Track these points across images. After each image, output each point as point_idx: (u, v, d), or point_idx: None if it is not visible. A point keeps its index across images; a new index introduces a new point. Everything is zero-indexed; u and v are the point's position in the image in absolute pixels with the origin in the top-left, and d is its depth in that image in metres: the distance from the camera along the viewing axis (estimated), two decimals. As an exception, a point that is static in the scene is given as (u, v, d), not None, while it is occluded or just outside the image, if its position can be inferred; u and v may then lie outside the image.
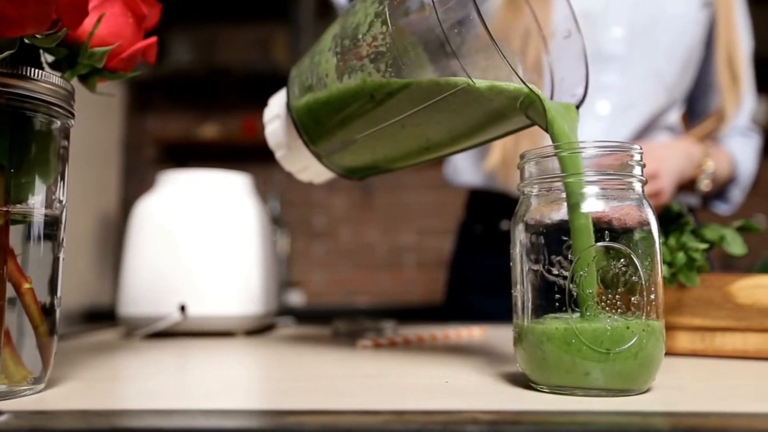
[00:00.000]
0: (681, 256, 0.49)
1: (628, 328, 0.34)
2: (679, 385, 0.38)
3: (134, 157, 2.78)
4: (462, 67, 0.36)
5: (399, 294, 2.73)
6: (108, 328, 0.83)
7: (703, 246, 0.49)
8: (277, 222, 2.51)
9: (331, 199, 2.78)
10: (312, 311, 2.36)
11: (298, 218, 2.72)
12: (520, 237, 0.38)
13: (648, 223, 0.35)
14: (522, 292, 0.38)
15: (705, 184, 0.88)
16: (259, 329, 0.76)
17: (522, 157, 0.39)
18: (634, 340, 0.34)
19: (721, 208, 0.98)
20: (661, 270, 0.36)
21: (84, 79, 0.43)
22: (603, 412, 0.30)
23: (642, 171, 0.37)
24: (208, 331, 0.71)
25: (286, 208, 2.65)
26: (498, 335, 0.70)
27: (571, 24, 0.44)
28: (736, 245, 0.52)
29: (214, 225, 0.72)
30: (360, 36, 0.41)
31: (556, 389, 0.35)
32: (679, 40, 0.90)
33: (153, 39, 0.43)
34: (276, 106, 0.55)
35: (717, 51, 0.91)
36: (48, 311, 0.38)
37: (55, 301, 0.38)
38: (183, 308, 0.70)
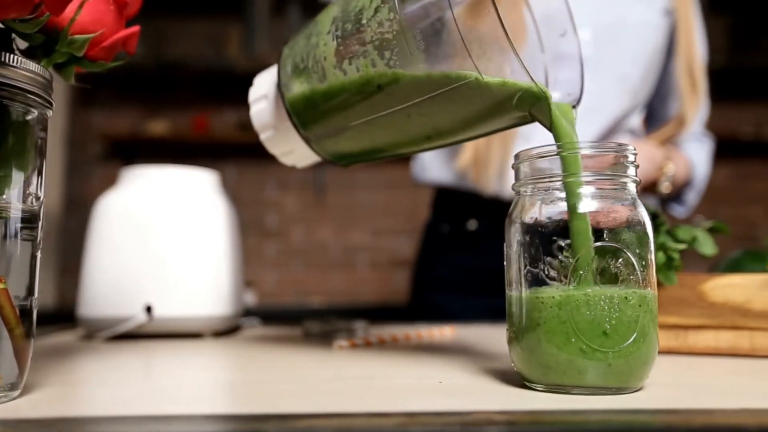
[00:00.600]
0: (660, 256, 0.50)
1: (626, 327, 0.34)
2: (666, 383, 0.38)
3: (78, 153, 2.68)
4: (475, 65, 0.35)
5: (352, 294, 2.72)
6: (62, 330, 0.79)
7: (681, 246, 0.50)
8: (228, 221, 2.46)
9: (284, 198, 2.75)
10: (264, 311, 2.33)
11: (249, 217, 2.68)
12: (515, 237, 0.38)
13: (643, 223, 0.36)
14: (518, 291, 0.38)
15: (665, 187, 0.91)
16: (226, 330, 0.74)
17: (517, 157, 0.39)
18: (632, 338, 0.34)
19: (678, 211, 1.02)
20: (654, 269, 0.36)
21: (60, 68, 0.40)
22: (608, 411, 0.30)
23: (636, 171, 0.37)
24: (174, 332, 0.69)
25: (237, 207, 2.60)
26: (469, 335, 0.71)
27: (567, 24, 0.44)
28: (707, 246, 0.54)
29: (182, 223, 0.70)
30: (364, 21, 0.40)
31: (554, 388, 0.35)
32: (642, 45, 0.93)
33: (135, 28, 0.41)
34: (263, 85, 0.53)
35: (678, 58, 0.94)
36: (25, 313, 0.35)
37: (33, 302, 0.36)
38: (149, 309, 0.67)
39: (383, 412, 0.28)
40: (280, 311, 2.22)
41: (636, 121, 0.98)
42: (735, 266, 0.63)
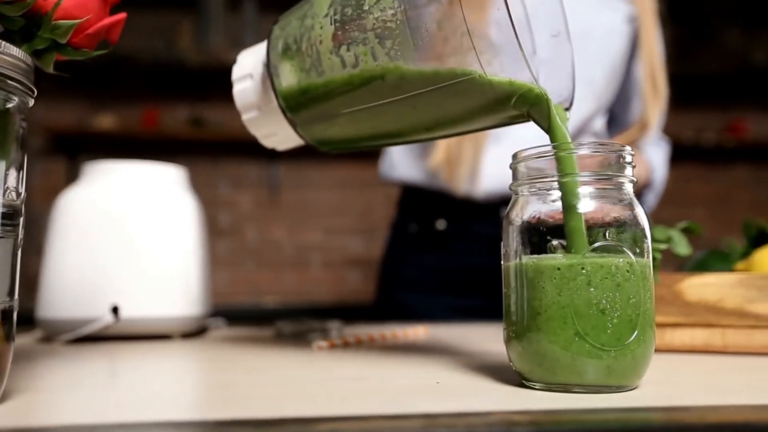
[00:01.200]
0: (643, 256, 0.51)
1: (627, 325, 0.35)
2: (659, 380, 0.39)
3: (19, 147, 2.56)
4: (480, 62, 0.35)
5: (305, 293, 2.69)
6: (18, 332, 0.75)
7: (664, 246, 0.52)
8: (179, 219, 2.40)
9: (237, 197, 2.70)
10: (217, 312, 2.28)
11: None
12: (512, 236, 0.38)
13: (641, 223, 0.36)
14: (516, 291, 0.37)
15: None
16: (195, 331, 0.72)
17: (515, 157, 0.39)
18: (633, 337, 0.35)
19: None
20: (651, 268, 0.37)
21: (40, 55, 0.38)
22: (617, 409, 0.30)
23: (632, 172, 0.38)
24: (142, 334, 0.66)
25: (188, 204, 2.55)
26: (444, 334, 0.71)
27: (560, 24, 0.44)
28: (682, 246, 0.56)
29: (150, 220, 0.68)
30: (366, 7, 0.39)
31: (553, 387, 0.35)
32: (607, 50, 0.95)
33: (121, 15, 0.39)
34: (249, 64, 0.51)
35: (640, 63, 0.97)
36: (6, 314, 0.33)
37: (15, 304, 0.34)
38: (116, 310, 0.64)
39: (403, 414, 0.27)
40: (233, 311, 2.18)
41: (599, 124, 1.00)
42: (701, 267, 0.65)
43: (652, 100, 0.95)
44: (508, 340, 0.38)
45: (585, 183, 0.36)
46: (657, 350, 0.53)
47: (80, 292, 0.65)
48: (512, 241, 0.38)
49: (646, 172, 0.99)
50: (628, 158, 0.38)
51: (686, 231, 0.57)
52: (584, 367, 0.34)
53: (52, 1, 0.35)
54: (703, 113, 2.74)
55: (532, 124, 0.96)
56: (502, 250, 0.39)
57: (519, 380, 0.38)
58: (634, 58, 0.99)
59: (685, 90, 2.89)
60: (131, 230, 0.67)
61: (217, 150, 2.63)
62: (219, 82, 2.73)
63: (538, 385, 0.36)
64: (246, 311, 2.28)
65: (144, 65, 2.47)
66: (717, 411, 0.30)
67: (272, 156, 2.69)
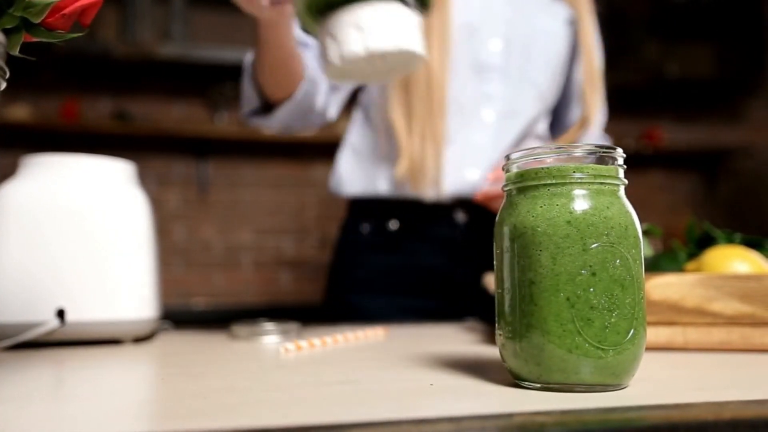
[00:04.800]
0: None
1: (622, 324, 0.35)
2: (644, 378, 0.40)
3: None
4: None
5: (236, 294, 2.63)
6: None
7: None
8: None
9: (164, 195, 2.60)
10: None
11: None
12: (505, 238, 0.38)
13: (635, 224, 0.37)
14: (510, 291, 0.37)
15: None
16: (146, 336, 0.68)
17: (507, 158, 0.39)
18: (629, 335, 0.35)
19: None
20: (643, 269, 0.38)
21: (6, 35, 0.35)
22: (623, 408, 0.31)
23: (624, 174, 0.39)
24: (90, 339, 0.62)
25: (111, 202, 2.43)
26: (402, 335, 0.70)
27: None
28: (644, 247, 0.57)
29: (97, 217, 0.63)
30: None
31: (553, 387, 0.36)
32: (549, 53, 0.99)
33: (98, -3, 0.37)
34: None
35: (580, 64, 1.00)
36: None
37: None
38: (61, 313, 0.60)
39: (427, 418, 0.26)
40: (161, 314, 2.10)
41: (543, 126, 1.03)
42: (653, 267, 0.67)
43: (592, 99, 0.99)
44: (501, 342, 0.38)
45: (578, 184, 0.37)
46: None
47: (22, 294, 0.60)
48: (504, 242, 0.38)
49: None
50: (620, 160, 0.38)
51: (646, 233, 0.59)
52: (582, 365, 0.35)
53: (27, -24, 0.32)
54: (622, 121, 2.88)
55: (477, 126, 1.01)
56: (495, 251, 0.39)
57: (511, 380, 0.38)
58: (575, 61, 1.03)
59: (607, 99, 3.03)
60: (77, 228, 0.62)
61: (143, 145, 2.52)
62: (146, 75, 2.64)
63: (534, 385, 0.36)
64: (175, 313, 2.20)
65: (63, 54, 2.34)
66: (718, 408, 0.31)
67: (201, 153, 2.61)
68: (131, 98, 2.53)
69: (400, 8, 0.61)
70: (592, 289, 0.35)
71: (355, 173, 1.00)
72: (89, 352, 0.58)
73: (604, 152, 0.38)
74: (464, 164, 0.94)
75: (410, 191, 0.93)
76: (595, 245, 0.35)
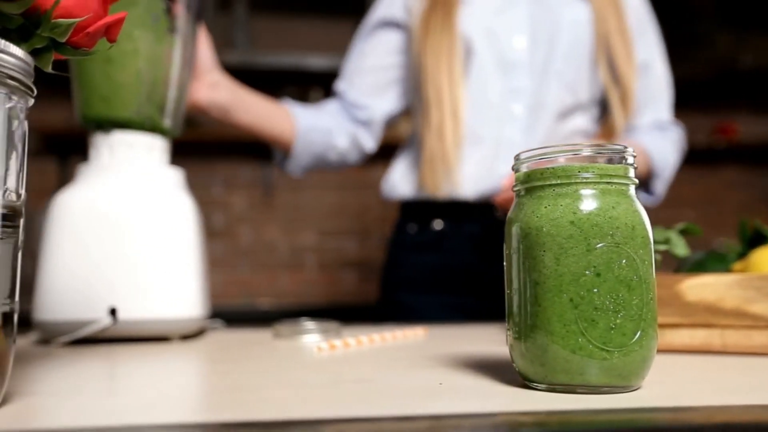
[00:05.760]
0: (643, 256, 0.51)
1: (629, 326, 0.35)
2: (660, 380, 0.39)
3: (10, 148, 2.54)
4: None
5: (300, 295, 2.69)
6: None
7: (663, 248, 0.52)
8: (173, 220, 2.40)
9: (230, 198, 2.69)
10: (212, 313, 2.27)
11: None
12: (515, 237, 0.38)
13: (644, 224, 0.36)
14: (517, 292, 0.37)
15: None
16: (194, 333, 0.71)
17: (517, 158, 0.39)
18: (636, 337, 0.35)
19: (647, 200, 1.05)
20: (654, 269, 0.37)
21: (37, 54, 0.38)
22: (626, 410, 0.30)
23: (634, 173, 0.38)
24: (140, 336, 0.66)
25: (182, 206, 2.54)
26: (445, 335, 0.71)
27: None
28: (680, 247, 0.56)
29: (148, 221, 0.67)
30: None
31: (558, 388, 0.35)
32: (574, 43, 0.98)
33: (121, 15, 0.39)
34: None
35: (599, 57, 0.99)
36: (6, 317, 0.33)
37: (15, 305, 0.34)
38: (113, 312, 0.64)
39: (409, 415, 0.27)
40: (227, 313, 2.17)
41: (583, 121, 1.01)
42: (699, 268, 0.65)
43: (613, 91, 0.98)
44: (510, 341, 0.38)
45: (587, 184, 0.36)
46: (657, 350, 0.54)
47: (78, 293, 0.64)
48: (514, 242, 0.38)
49: (641, 158, 1.00)
50: (630, 159, 0.38)
51: (684, 232, 0.57)
52: (587, 367, 0.34)
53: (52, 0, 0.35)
54: (693, 116, 2.75)
55: (508, 120, 1.02)
56: (505, 252, 0.39)
57: (521, 381, 0.38)
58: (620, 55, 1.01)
59: (676, 92, 2.90)
60: (129, 232, 0.66)
61: (210, 150, 2.62)
62: (212, 83, 2.72)
63: (541, 386, 0.36)
64: (241, 313, 2.27)
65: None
66: (723, 411, 0.30)
67: (266, 157, 2.68)
68: (199, 106, 2.63)
69: None
70: (596, 290, 0.34)
71: (404, 177, 1.05)
72: (139, 348, 0.62)
73: (613, 152, 0.37)
74: (497, 161, 0.96)
75: (428, 190, 0.97)
76: (600, 246, 0.35)
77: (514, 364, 0.38)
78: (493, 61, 0.98)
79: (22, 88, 0.34)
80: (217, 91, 0.87)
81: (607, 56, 0.98)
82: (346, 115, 1.06)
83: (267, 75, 2.51)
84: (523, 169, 0.39)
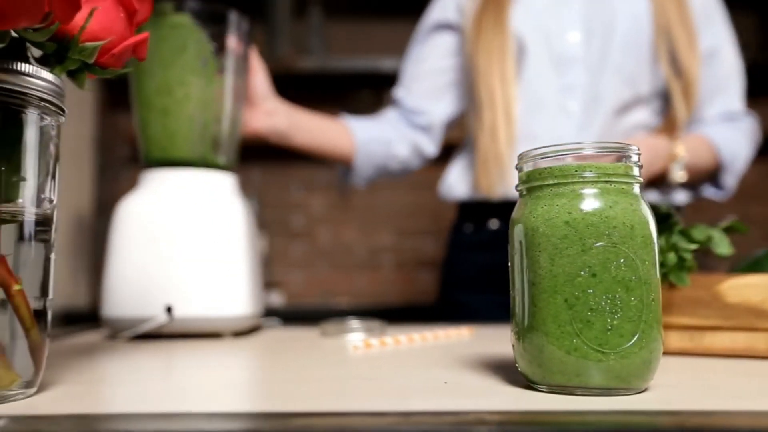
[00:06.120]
0: (672, 257, 0.50)
1: (627, 327, 0.34)
2: (674, 384, 0.38)
3: (107, 156, 2.73)
4: None
5: (377, 295, 2.72)
6: (89, 330, 0.81)
7: (693, 246, 0.50)
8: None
9: (309, 200, 2.77)
10: (291, 312, 2.34)
11: (276, 219, 2.70)
12: (518, 238, 0.38)
13: (645, 223, 0.36)
14: (519, 292, 0.37)
15: (680, 176, 0.90)
16: (245, 330, 0.75)
17: (521, 157, 0.39)
18: (634, 339, 0.34)
19: (716, 195, 1.00)
20: (658, 270, 0.36)
21: (73, 75, 0.41)
22: (608, 411, 0.30)
23: (640, 171, 0.37)
24: (194, 332, 0.70)
25: (263, 208, 2.63)
26: (487, 335, 0.71)
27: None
28: (723, 245, 0.53)
29: (200, 225, 0.71)
30: None
31: (556, 389, 0.35)
32: (631, 34, 0.95)
33: (144, 35, 0.42)
34: None
35: (660, 48, 0.94)
36: (39, 313, 0.37)
37: (47, 303, 0.37)
38: (169, 310, 0.68)
39: (377, 411, 0.28)
40: (306, 311, 2.24)
41: (643, 115, 0.98)
42: (755, 266, 0.61)
43: (676, 83, 0.93)
44: (513, 342, 0.38)
45: (590, 183, 0.36)
46: (695, 354, 0.52)
47: (138, 292, 0.69)
48: (516, 242, 0.38)
49: (707, 152, 0.95)
50: (634, 158, 0.37)
51: (729, 230, 0.54)
52: (583, 368, 0.34)
53: (79, 24, 0.39)
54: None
55: (562, 117, 1.00)
56: (509, 251, 0.39)
57: (526, 383, 0.38)
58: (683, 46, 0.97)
59: (750, 80, 2.69)
60: (184, 234, 0.71)
61: (288, 153, 2.70)
62: (287, 90, 2.81)
63: (543, 388, 0.36)
64: (318, 312, 2.33)
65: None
66: (726, 416, 0.29)
67: (343, 159, 2.74)
68: (279, 111, 2.72)
69: None
70: (591, 291, 0.34)
71: (460, 178, 1.06)
72: (192, 344, 0.66)
73: (615, 150, 0.36)
74: None
75: (482, 191, 0.96)
76: (596, 246, 0.34)
77: (517, 365, 0.38)
78: (547, 58, 0.97)
79: (53, 108, 0.38)
80: (274, 118, 0.91)
81: (669, 47, 0.94)
82: (406, 122, 1.08)
83: (342, 79, 2.57)
84: (525, 168, 0.38)
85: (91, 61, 0.40)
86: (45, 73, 0.37)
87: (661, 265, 0.50)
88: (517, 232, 0.38)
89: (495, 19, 0.96)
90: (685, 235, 0.53)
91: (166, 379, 0.46)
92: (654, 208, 0.54)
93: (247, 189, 2.71)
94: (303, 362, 0.50)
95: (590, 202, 0.35)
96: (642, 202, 0.36)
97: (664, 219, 0.53)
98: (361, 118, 1.08)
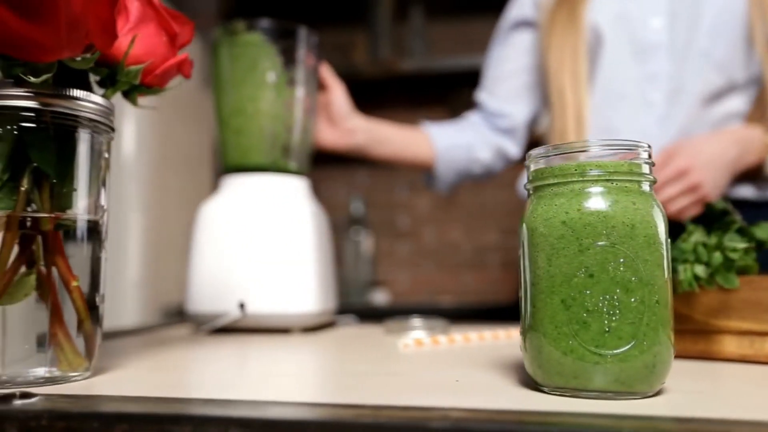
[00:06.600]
0: (717, 256, 0.47)
1: (626, 329, 0.33)
2: (699, 390, 0.36)
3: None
4: None
5: (483, 294, 2.70)
6: (177, 324, 0.89)
7: (742, 245, 0.46)
8: (360, 222, 2.57)
9: (415, 200, 2.80)
10: (396, 310, 2.39)
11: (381, 219, 2.76)
12: (522, 238, 0.38)
13: (651, 223, 0.34)
14: (524, 292, 0.37)
15: None
16: (316, 327, 0.78)
17: (527, 157, 0.39)
18: (634, 341, 0.33)
19: None
20: (667, 271, 0.34)
21: (126, 95, 0.46)
22: (599, 415, 0.29)
23: (650, 169, 0.36)
24: (265, 327, 0.75)
25: (369, 208, 2.70)
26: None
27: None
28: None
29: (272, 227, 0.76)
30: None
31: (558, 390, 0.35)
32: (721, 16, 0.88)
33: (185, 55, 0.46)
34: None
35: (756, 29, 0.86)
36: (92, 306, 0.42)
37: (98, 297, 0.42)
38: (242, 306, 0.73)
39: (356, 404, 0.30)
40: (411, 310, 2.27)
41: (738, 103, 0.90)
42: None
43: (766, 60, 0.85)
44: (520, 343, 0.38)
45: (598, 182, 0.35)
46: (756, 361, 0.48)
47: (216, 290, 0.75)
48: (524, 243, 0.38)
49: None
50: (645, 155, 0.35)
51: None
52: (580, 370, 0.34)
53: (124, 50, 0.43)
54: None
55: (643, 108, 0.95)
56: (519, 252, 0.39)
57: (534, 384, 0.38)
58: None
59: None
60: (258, 236, 0.75)
61: (394, 156, 2.74)
62: (389, 91, 2.86)
63: (546, 389, 0.36)
64: (423, 310, 2.35)
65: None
66: (736, 426, 0.27)
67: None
68: (378, 113, 2.78)
69: None
70: (588, 292, 0.33)
71: None
72: (263, 338, 0.70)
73: (621, 147, 0.35)
74: None
75: None
76: (595, 246, 0.34)
77: (525, 367, 0.38)
78: (627, 47, 0.92)
79: (103, 126, 0.42)
80: (354, 136, 0.95)
81: (766, 29, 0.86)
82: (488, 125, 1.08)
83: (443, 79, 2.57)
84: (532, 167, 0.38)
85: (137, 82, 0.44)
86: (94, 97, 0.42)
87: (708, 265, 0.47)
88: (522, 233, 0.38)
89: (569, 12, 0.93)
90: (746, 233, 0.49)
91: (244, 368, 0.50)
92: (708, 207, 0.51)
93: (353, 190, 2.79)
94: (344, 357, 0.52)
95: (588, 201, 0.34)
96: (650, 200, 0.35)
97: (718, 216, 0.50)
98: (442, 124, 1.08)
